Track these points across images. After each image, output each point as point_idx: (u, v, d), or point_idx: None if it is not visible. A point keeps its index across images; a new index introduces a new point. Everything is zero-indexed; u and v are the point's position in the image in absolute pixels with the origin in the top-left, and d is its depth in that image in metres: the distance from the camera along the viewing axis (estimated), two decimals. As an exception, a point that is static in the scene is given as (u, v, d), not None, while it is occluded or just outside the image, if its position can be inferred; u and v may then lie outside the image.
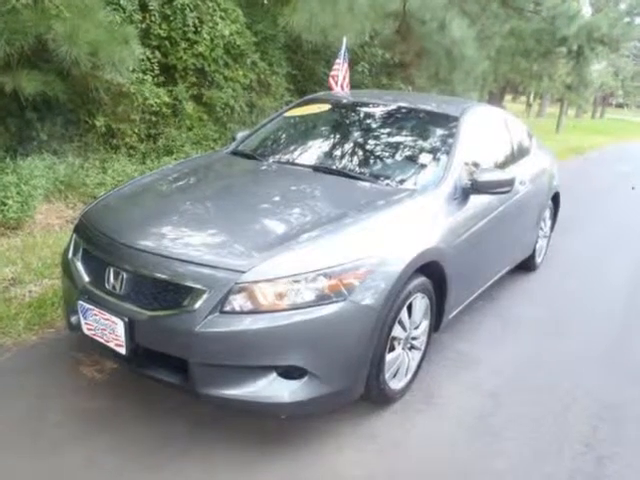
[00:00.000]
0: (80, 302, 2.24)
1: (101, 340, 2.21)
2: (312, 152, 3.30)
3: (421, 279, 2.45)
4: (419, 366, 2.70)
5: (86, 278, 2.32)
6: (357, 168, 3.03)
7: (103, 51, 4.44)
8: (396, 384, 2.51)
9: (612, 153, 16.19)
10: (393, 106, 3.52)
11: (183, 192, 2.77)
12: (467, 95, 10.00)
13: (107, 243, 2.27)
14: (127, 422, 2.27)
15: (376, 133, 3.37)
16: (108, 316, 2.13)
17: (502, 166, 3.54)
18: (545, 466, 2.27)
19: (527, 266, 4.44)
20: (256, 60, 6.93)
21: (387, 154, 3.20)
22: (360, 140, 3.33)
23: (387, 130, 3.38)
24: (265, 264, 2.03)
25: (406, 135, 3.31)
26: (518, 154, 3.95)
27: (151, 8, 5.77)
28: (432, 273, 2.53)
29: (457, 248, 2.71)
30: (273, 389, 2.04)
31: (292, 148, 3.44)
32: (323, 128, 3.60)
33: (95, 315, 2.19)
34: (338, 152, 3.25)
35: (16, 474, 1.98)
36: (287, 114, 3.72)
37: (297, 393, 2.05)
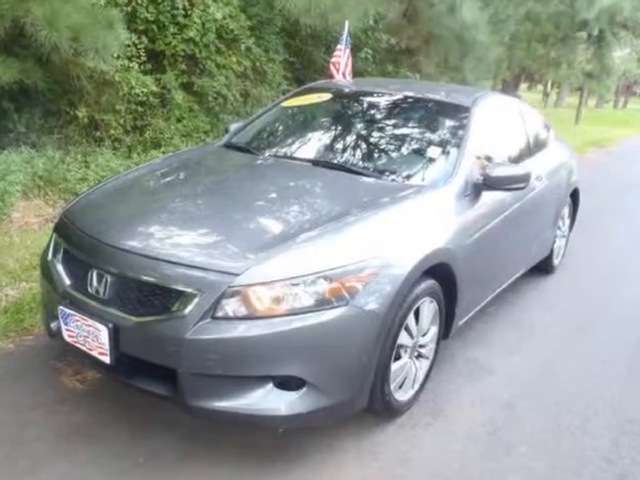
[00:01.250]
0: (61, 307, 2.24)
1: (83, 348, 2.21)
2: (311, 145, 3.30)
3: (429, 282, 2.45)
4: (427, 376, 2.71)
5: (67, 281, 2.32)
6: (360, 162, 3.03)
7: (85, 36, 4.44)
8: (402, 395, 2.51)
9: (636, 146, 16.18)
10: (399, 95, 3.52)
11: (172, 188, 2.78)
12: (479, 84, 10.01)
13: (90, 243, 2.27)
14: (111, 436, 2.27)
15: (381, 125, 3.38)
16: (91, 322, 2.14)
17: (517, 160, 3.54)
18: (563, 484, 2.28)
19: (544, 268, 4.44)
20: (251, 46, 6.93)
21: (393, 147, 3.21)
22: (363, 132, 3.33)
23: (392, 121, 3.39)
24: (261, 266, 2.03)
25: (413, 127, 3.31)
26: (534, 147, 3.95)
27: (138, -11, 5.78)
28: (441, 276, 2.53)
29: (468, 249, 2.71)
30: (269, 401, 2.04)
31: (290, 141, 3.45)
32: (323, 119, 3.60)
33: (77, 321, 2.19)
34: (339, 145, 3.25)
35: (-8, 493, 1.99)
36: (284, 104, 3.72)
37: (295, 405, 2.05)
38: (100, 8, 4.90)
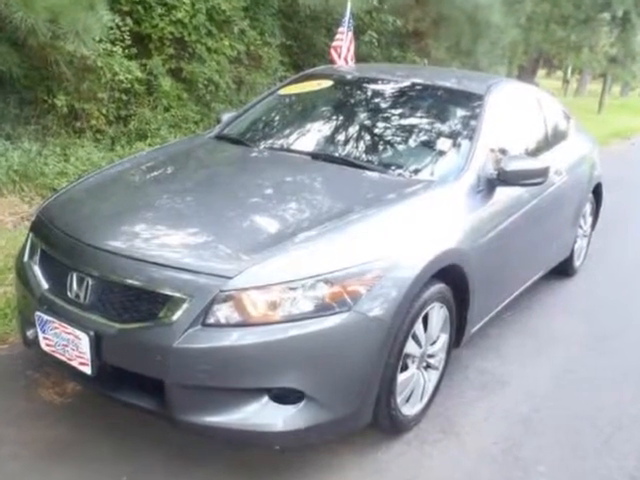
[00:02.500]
0: (38, 313, 2.24)
1: (62, 358, 2.21)
2: (311, 137, 3.31)
3: (439, 286, 2.45)
4: (437, 388, 2.70)
5: (45, 285, 2.32)
6: (364, 155, 3.03)
7: (65, 18, 4.44)
8: (409, 409, 2.51)
9: (664, 138, 16.17)
10: (406, 82, 3.52)
11: (159, 184, 2.78)
12: (493, 69, 10.02)
13: (69, 244, 2.27)
14: (92, 453, 2.27)
15: (386, 114, 3.38)
16: (71, 330, 2.13)
17: (534, 153, 3.54)
18: (585, 506, 2.28)
19: (564, 270, 4.45)
20: (245, 28, 6.94)
21: (399, 139, 3.21)
22: (367, 123, 3.33)
23: (399, 111, 3.39)
24: (255, 268, 2.03)
25: (421, 117, 3.31)
26: (553, 139, 3.95)
27: (121, -33, 5.79)
28: (452, 279, 2.53)
29: (481, 249, 2.71)
30: (265, 415, 2.03)
31: (287, 132, 3.45)
32: (324, 109, 3.61)
33: (55, 328, 2.19)
34: (341, 137, 3.25)
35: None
36: (281, 92, 3.72)
37: (293, 420, 2.05)
38: (81, -13, 4.90)
